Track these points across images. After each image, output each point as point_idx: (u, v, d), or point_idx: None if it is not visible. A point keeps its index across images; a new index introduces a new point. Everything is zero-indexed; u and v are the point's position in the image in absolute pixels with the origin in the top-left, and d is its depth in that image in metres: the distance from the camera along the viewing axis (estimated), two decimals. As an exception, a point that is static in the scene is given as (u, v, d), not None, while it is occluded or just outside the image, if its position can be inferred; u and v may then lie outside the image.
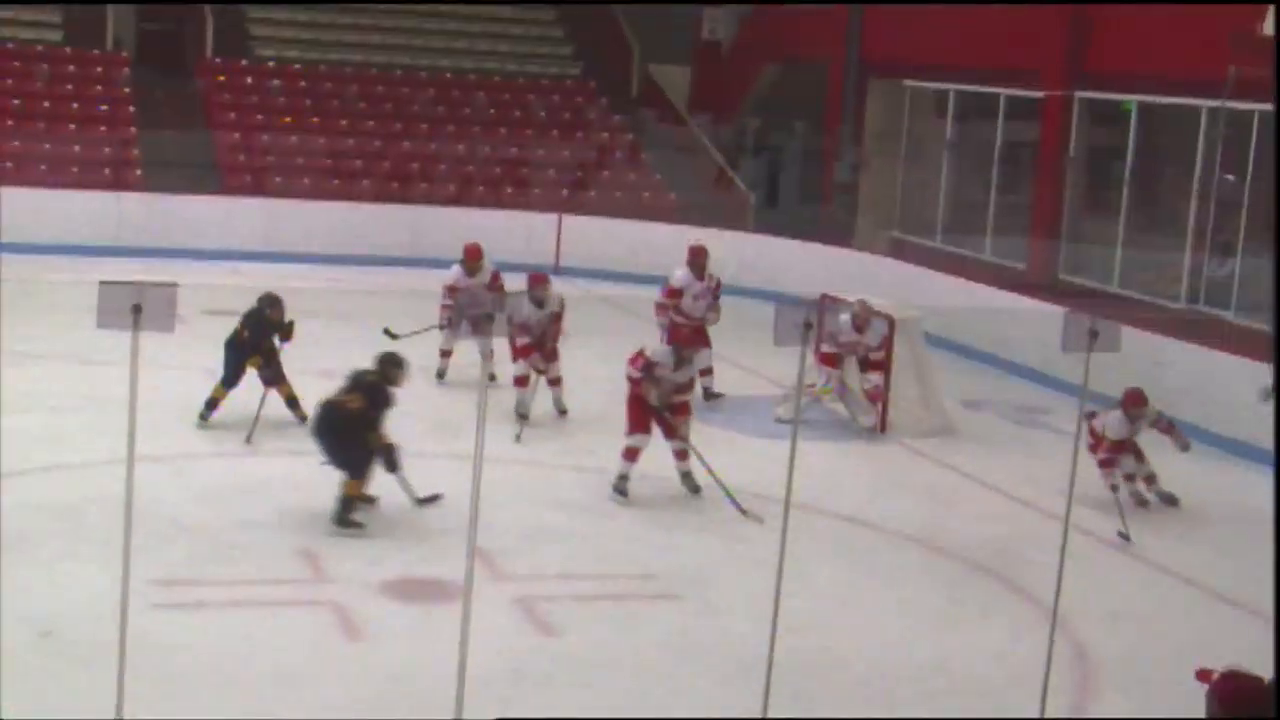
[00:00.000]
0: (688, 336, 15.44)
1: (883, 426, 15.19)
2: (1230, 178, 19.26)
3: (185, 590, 9.82)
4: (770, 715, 7.79)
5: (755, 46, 29.15)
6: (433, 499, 11.60)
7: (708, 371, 15.80)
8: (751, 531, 11.53)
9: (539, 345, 14.72)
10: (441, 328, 15.85)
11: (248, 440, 13.12)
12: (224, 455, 12.92)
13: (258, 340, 13.58)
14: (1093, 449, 12.67)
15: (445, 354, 15.96)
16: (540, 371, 14.77)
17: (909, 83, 25.13)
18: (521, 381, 14.64)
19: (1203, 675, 5.21)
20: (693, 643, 9.56)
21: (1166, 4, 19.12)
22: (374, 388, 11.47)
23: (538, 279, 14.97)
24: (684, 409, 12.57)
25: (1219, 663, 5.38)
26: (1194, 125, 19.55)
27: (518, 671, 8.87)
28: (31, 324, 17.39)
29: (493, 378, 14.81)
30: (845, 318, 15.17)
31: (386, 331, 15.64)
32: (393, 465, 11.40)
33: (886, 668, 9.41)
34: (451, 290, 15.89)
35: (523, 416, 14.35)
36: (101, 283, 6.62)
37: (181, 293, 6.74)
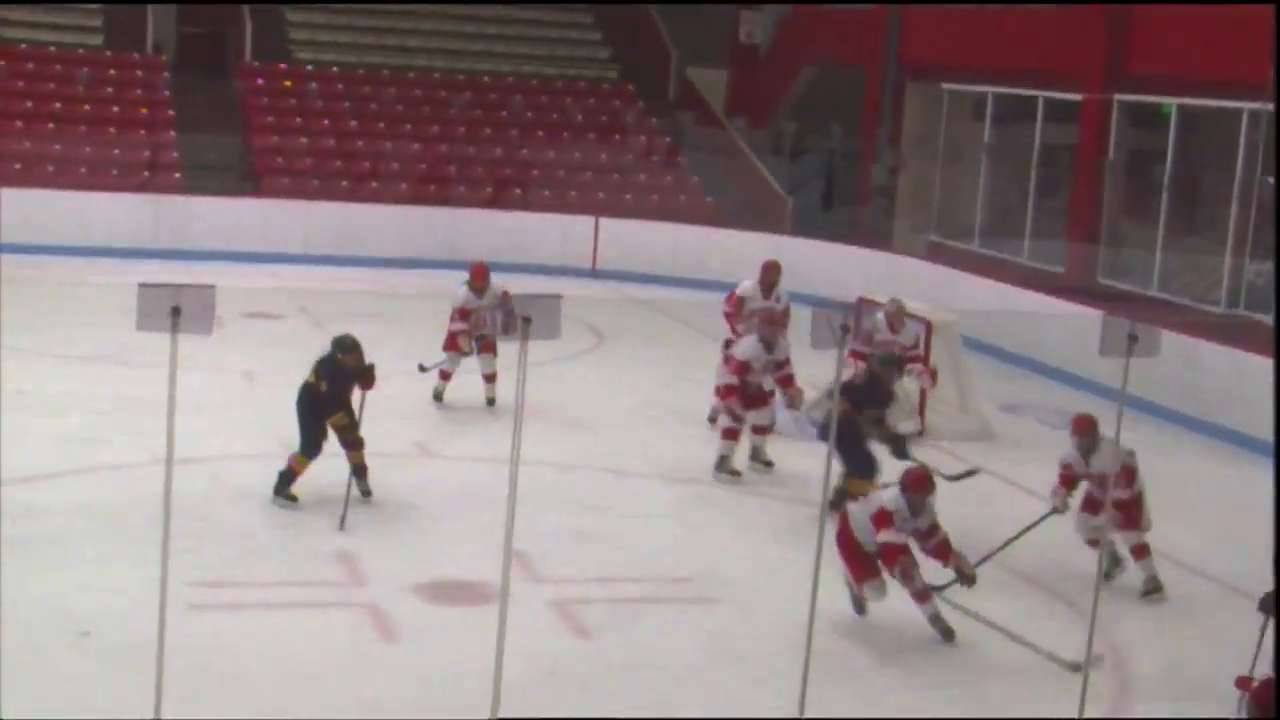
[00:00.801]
0: None
1: (920, 430, 15.13)
2: (1271, 180, 19.13)
3: (223, 591, 9.86)
4: (806, 718, 7.77)
5: (792, 50, 29.10)
6: (969, 474, 12.05)
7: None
8: (787, 534, 11.52)
9: (750, 393, 13.30)
10: (465, 353, 15.03)
11: (341, 526, 11.23)
12: (261, 457, 12.95)
13: (337, 392, 11.60)
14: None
15: (445, 376, 15.11)
16: (738, 418, 13.33)
17: (947, 85, 25.07)
18: (731, 434, 13.26)
19: (1242, 682, 5.19)
20: (728, 646, 9.55)
21: (1207, 4, 19.01)
22: (857, 389, 11.99)
23: (770, 319, 13.63)
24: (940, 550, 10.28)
25: (1258, 670, 5.35)
26: (1235, 128, 19.44)
27: (553, 674, 8.87)
28: (71, 326, 17.51)
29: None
30: (880, 317, 15.08)
31: (421, 368, 15.30)
32: (901, 453, 11.88)
33: (922, 672, 9.38)
34: (462, 313, 15.00)
35: (733, 473, 13.20)
36: (140, 285, 6.65)
37: (220, 295, 6.76)
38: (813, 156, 28.75)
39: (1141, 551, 11.07)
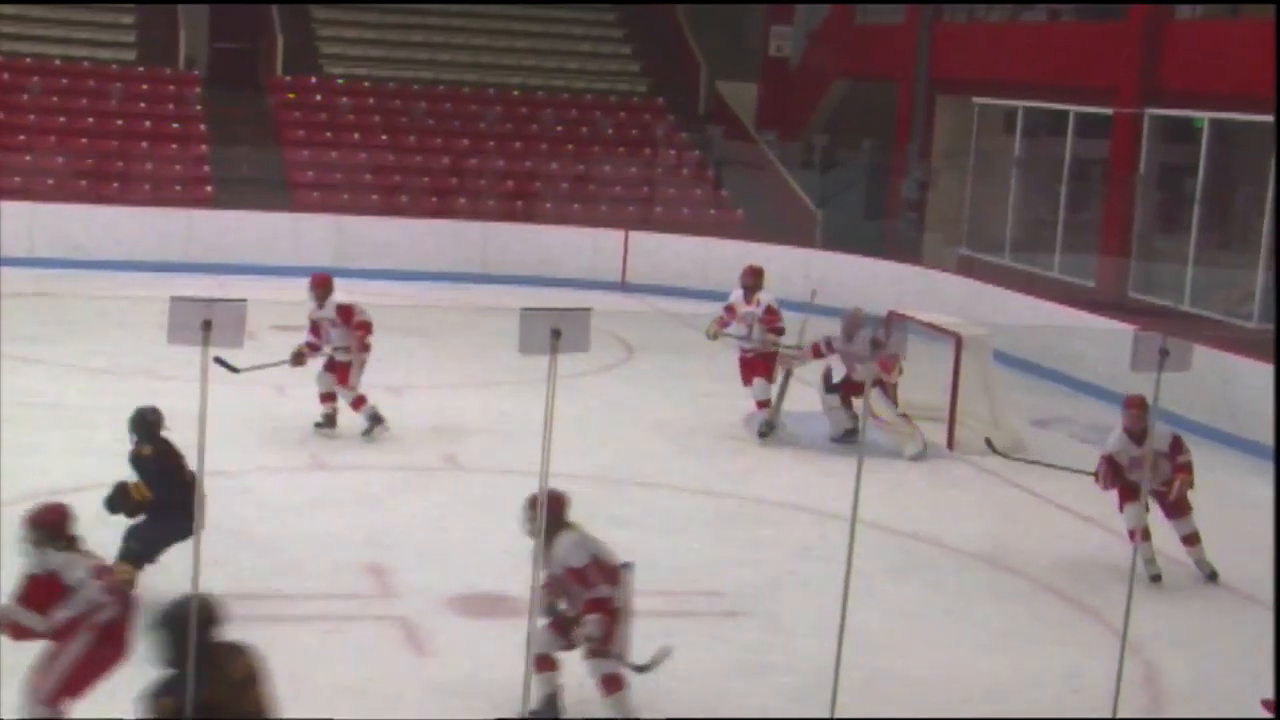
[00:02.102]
0: (744, 364, 15.19)
1: (951, 444, 15.09)
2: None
3: (253, 604, 9.85)
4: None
5: (823, 63, 29.11)
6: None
7: (763, 404, 15.09)
8: (818, 549, 11.49)
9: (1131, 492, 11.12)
10: (292, 364, 13.72)
11: None
12: (292, 470, 12.99)
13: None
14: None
15: (326, 398, 14.07)
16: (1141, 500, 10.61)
17: (977, 99, 25.03)
18: (1134, 536, 10.69)
19: (1269, 704, 5.15)
20: (760, 661, 9.53)
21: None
22: None
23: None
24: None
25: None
26: (1267, 141, 19.36)
27: (583, 687, 8.86)
28: (103, 339, 17.58)
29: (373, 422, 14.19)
30: (839, 324, 15.01)
31: (219, 361, 13.04)
32: None
33: (954, 687, 9.34)
34: (310, 325, 13.93)
35: (1155, 578, 11.27)
36: (172, 299, 6.68)
37: (251, 308, 6.78)
38: (844, 170, 28.73)
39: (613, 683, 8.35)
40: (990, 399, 15.51)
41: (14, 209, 21.72)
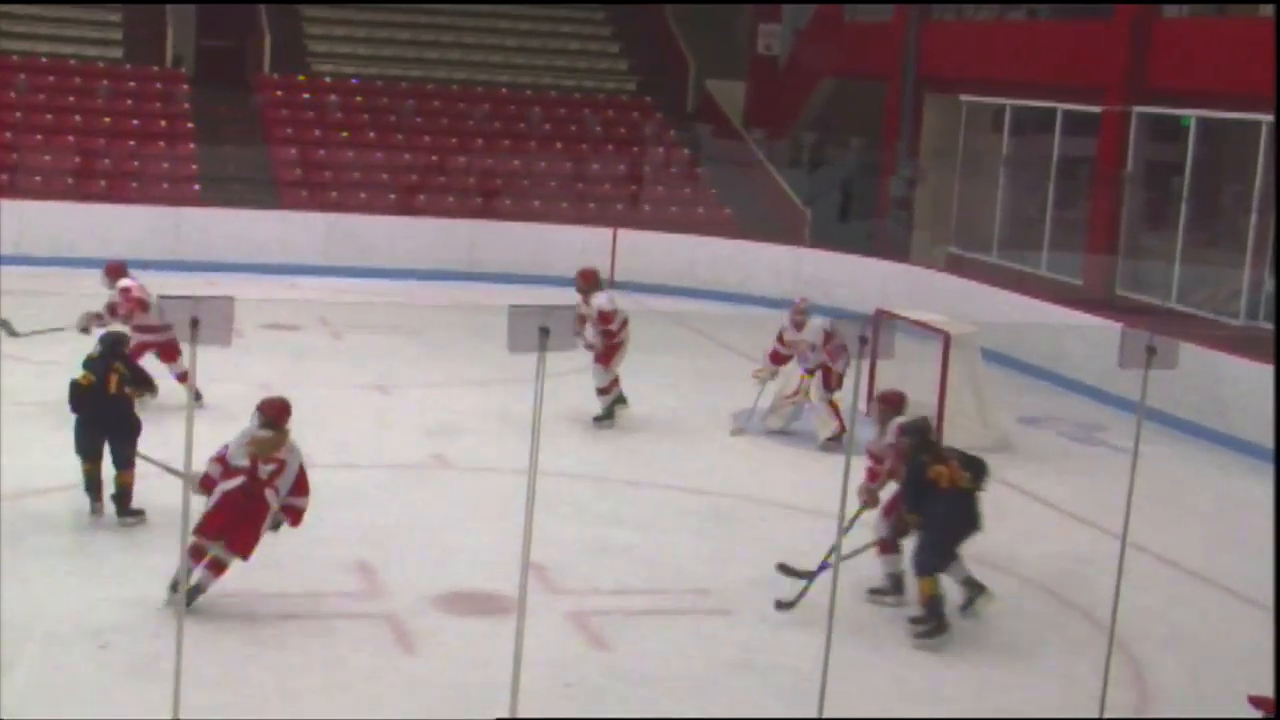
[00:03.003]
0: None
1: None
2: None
3: (242, 602, 9.87)
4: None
5: (811, 62, 29.13)
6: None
7: (603, 390, 15.18)
8: (806, 547, 11.48)
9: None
10: (84, 330, 13.97)
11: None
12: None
13: None
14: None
15: (180, 378, 13.87)
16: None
17: (965, 97, 25.06)
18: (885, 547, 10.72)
19: (1256, 701, 5.17)
20: (746, 658, 9.53)
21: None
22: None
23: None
24: None
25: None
26: (1254, 139, 19.40)
27: (571, 685, 8.87)
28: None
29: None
30: (788, 316, 15.10)
31: (3, 324, 15.14)
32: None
33: (943, 685, 9.36)
34: (109, 305, 14.42)
35: (875, 591, 10.73)
36: (160, 297, 6.69)
37: (238, 306, 6.79)
38: (831, 169, 28.76)
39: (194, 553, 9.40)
40: (978, 397, 15.54)
41: (1, 207, 21.69)
